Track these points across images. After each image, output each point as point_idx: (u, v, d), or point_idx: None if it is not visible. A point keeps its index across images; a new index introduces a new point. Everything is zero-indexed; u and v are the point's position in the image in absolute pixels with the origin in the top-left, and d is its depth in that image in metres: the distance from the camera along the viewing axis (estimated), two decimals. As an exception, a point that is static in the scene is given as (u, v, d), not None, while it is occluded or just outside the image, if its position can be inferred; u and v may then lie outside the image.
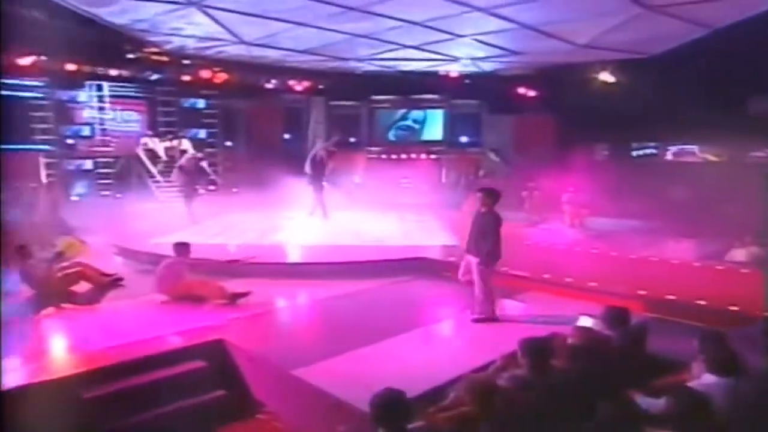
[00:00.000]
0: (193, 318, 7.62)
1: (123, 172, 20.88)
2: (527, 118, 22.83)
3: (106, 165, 20.75)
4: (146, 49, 18.59)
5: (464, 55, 17.87)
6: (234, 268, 9.80)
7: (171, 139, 21.25)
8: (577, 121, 20.81)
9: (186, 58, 18.96)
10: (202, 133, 22.80)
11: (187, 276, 8.76)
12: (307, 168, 16.57)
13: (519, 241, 12.32)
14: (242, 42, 15.64)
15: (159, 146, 21.25)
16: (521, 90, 22.11)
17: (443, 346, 7.11)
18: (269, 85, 21.49)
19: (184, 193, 16.54)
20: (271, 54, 17.72)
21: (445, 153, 24.48)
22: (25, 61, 17.73)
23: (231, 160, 23.00)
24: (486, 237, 7.37)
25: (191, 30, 14.54)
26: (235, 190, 21.98)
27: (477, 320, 7.52)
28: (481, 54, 17.50)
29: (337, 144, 18.44)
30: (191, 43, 16.58)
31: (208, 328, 7.14)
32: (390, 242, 12.53)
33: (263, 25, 13.68)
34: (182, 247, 9.16)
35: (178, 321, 7.50)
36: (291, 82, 22.58)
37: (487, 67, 19.65)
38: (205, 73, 20.63)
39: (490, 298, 7.52)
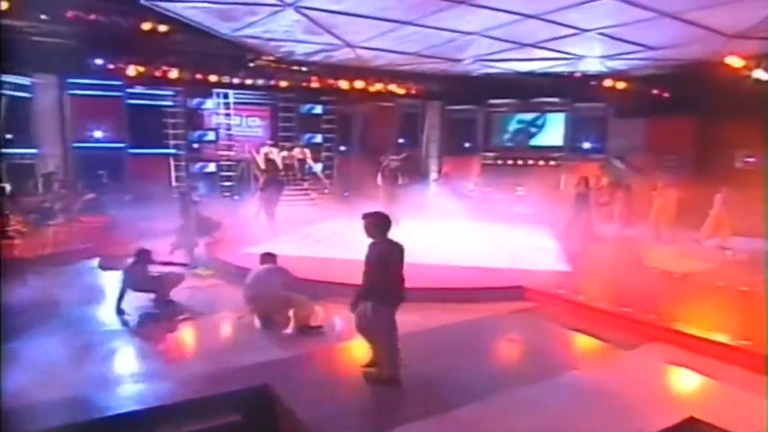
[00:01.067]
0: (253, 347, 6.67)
1: (243, 175, 20.92)
2: (661, 122, 20.01)
3: (229, 168, 20.93)
4: (264, 58, 18.29)
5: (590, 52, 15.72)
6: (316, 287, 8.65)
7: (290, 149, 20.98)
8: (722, 124, 17.90)
9: (299, 64, 18.46)
10: (318, 138, 22.45)
11: (278, 289, 7.85)
12: (379, 180, 15.87)
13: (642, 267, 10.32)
14: (348, 45, 14.76)
15: (278, 156, 21.08)
16: (655, 91, 19.38)
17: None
18: (384, 90, 20.49)
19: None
20: (382, 58, 16.69)
21: (565, 159, 22.22)
22: (158, 72, 18.16)
23: (345, 164, 22.37)
24: (372, 274, 5.55)
25: (296, 34, 13.87)
26: (346, 194, 21.30)
27: (370, 379, 5.67)
28: (609, 51, 15.25)
29: (405, 158, 17.45)
30: (299, 49, 15.98)
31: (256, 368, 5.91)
32: (492, 262, 10.86)
33: (369, 26, 12.63)
34: (269, 258, 8.30)
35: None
36: (405, 86, 21.44)
37: (615, 65, 17.25)
38: (321, 80, 20.14)
39: (393, 358, 5.58)
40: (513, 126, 23.14)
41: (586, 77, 19.23)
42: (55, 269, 10.19)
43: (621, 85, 18.76)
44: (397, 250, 5.57)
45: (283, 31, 13.85)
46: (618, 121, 21.28)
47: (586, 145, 21.96)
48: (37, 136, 17.27)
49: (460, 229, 14.88)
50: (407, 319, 6.01)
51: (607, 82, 18.78)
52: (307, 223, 15.53)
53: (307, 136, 22.33)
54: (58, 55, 15.69)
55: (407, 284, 5.57)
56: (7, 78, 16.13)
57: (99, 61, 17.17)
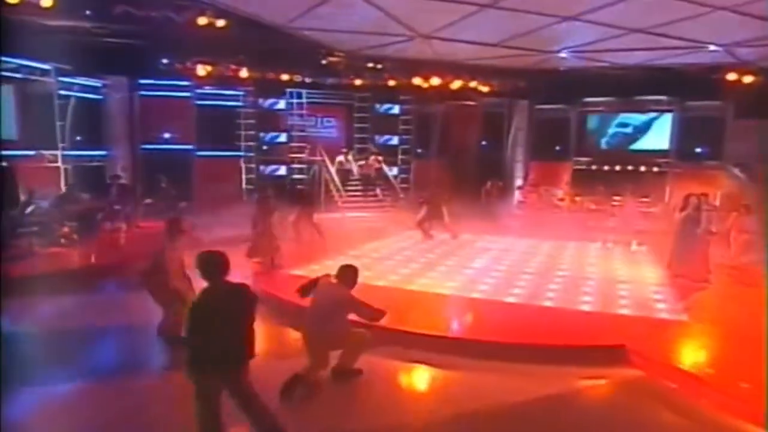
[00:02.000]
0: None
1: (315, 178, 19.47)
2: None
3: (300, 171, 19.58)
4: (336, 54, 16.66)
5: (714, 38, 12.66)
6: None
7: (366, 158, 19.26)
8: None
9: (372, 60, 16.64)
10: (394, 140, 20.60)
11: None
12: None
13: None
14: (418, 35, 12.71)
15: (354, 165, 19.44)
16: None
17: None
18: (465, 87, 18.25)
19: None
20: (460, 51, 14.52)
21: (672, 166, 18.99)
22: (228, 71, 17.02)
23: (422, 168, 20.36)
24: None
25: (358, 23, 12.03)
26: (421, 200, 19.29)
27: None
28: (740, 36, 12.16)
29: None
30: (369, 42, 14.15)
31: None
32: (582, 300, 8.52)
33: (442, 11, 10.55)
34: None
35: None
36: (488, 84, 19.01)
37: (746, 54, 13.88)
38: (397, 77, 18.23)
39: None
40: (611, 128, 20.13)
41: (705, 70, 16.03)
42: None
43: (748, 78, 15.42)
44: (233, 299, 4.15)
45: (348, 23, 12.08)
46: (738, 123, 17.81)
47: (698, 150, 18.61)
48: (107, 138, 16.64)
49: (544, 250, 12.53)
50: (471, 382, 5.34)
51: (731, 76, 15.50)
52: (374, 236, 13.74)
53: (383, 138, 20.56)
54: (128, 55, 14.90)
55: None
56: (78, 80, 15.57)
57: (167, 61, 16.26)
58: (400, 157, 20.52)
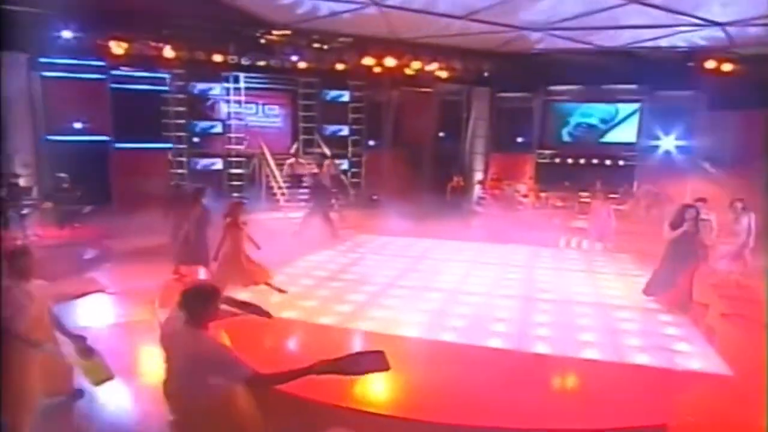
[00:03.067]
0: None
1: (255, 173, 17.07)
2: (756, 115, 15.14)
3: (238, 165, 17.11)
4: (276, 33, 14.28)
5: (717, 14, 10.86)
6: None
7: (320, 163, 16.84)
8: None
9: (319, 41, 14.33)
10: (344, 130, 18.36)
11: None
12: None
13: None
14: (372, 2, 10.49)
15: (305, 168, 16.94)
16: (758, 73, 14.45)
17: None
18: (421, 72, 16.18)
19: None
20: (418, 26, 12.41)
21: (640, 160, 17.56)
22: (149, 50, 14.36)
23: (375, 161, 18.23)
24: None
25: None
26: (375, 197, 17.24)
27: None
28: (734, 12, 10.41)
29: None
30: (312, 11, 11.85)
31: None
32: (579, 338, 6.58)
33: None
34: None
35: None
36: (447, 67, 16.93)
37: (741, 34, 12.13)
38: (347, 59, 15.95)
39: None
40: (577, 118, 18.53)
41: (678, 57, 14.49)
42: None
43: (726, 66, 13.98)
44: None
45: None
46: (710, 115, 16.46)
47: (668, 143, 17.21)
48: (2, 129, 13.72)
49: (520, 260, 10.67)
50: None
51: (709, 63, 14.03)
52: (319, 243, 11.57)
53: (332, 128, 18.28)
54: (26, 27, 12.10)
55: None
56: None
57: (74, 36, 13.43)
58: (350, 149, 18.29)
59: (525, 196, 17.17)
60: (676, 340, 6.54)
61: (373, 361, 3.06)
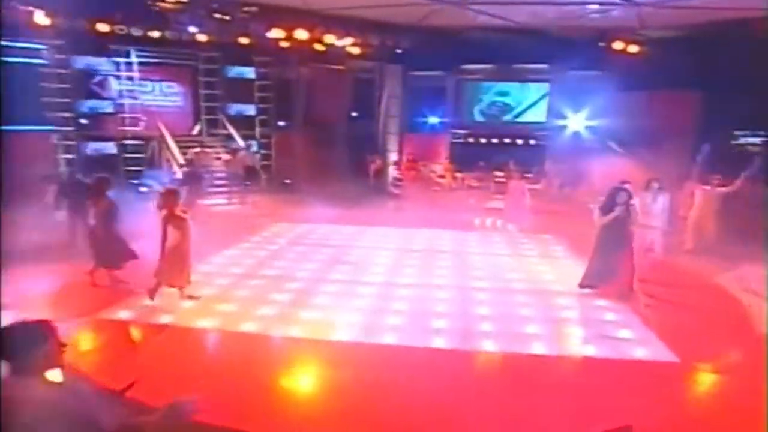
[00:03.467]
0: None
1: (155, 157, 15.46)
2: (664, 97, 15.80)
3: (135, 149, 15.40)
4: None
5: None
6: None
7: (232, 152, 15.36)
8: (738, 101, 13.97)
9: (221, 12, 12.98)
10: (250, 110, 17.08)
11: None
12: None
13: None
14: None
15: (210, 158, 15.33)
16: (663, 55, 14.94)
17: None
18: (332, 48, 15.23)
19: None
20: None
21: (550, 139, 17.83)
22: (17, 14, 12.31)
23: (285, 143, 17.14)
24: None
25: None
26: (288, 181, 16.24)
27: None
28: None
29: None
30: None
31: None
32: (522, 332, 6.14)
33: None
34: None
35: None
36: (361, 42, 16.06)
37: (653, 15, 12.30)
38: (252, 32, 14.66)
39: None
40: (490, 97, 18.47)
41: (590, 37, 14.64)
42: None
43: (635, 48, 14.29)
44: None
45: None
46: (618, 95, 16.91)
47: (577, 123, 17.57)
48: None
49: (446, 245, 10.23)
50: None
51: (618, 45, 14.28)
52: (233, 236, 10.47)
53: (237, 107, 16.93)
54: None
55: None
56: None
57: None
58: (258, 130, 17.06)
59: (441, 176, 16.92)
60: (618, 327, 6.30)
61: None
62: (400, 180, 17.04)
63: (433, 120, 18.63)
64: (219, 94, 16.53)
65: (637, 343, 5.87)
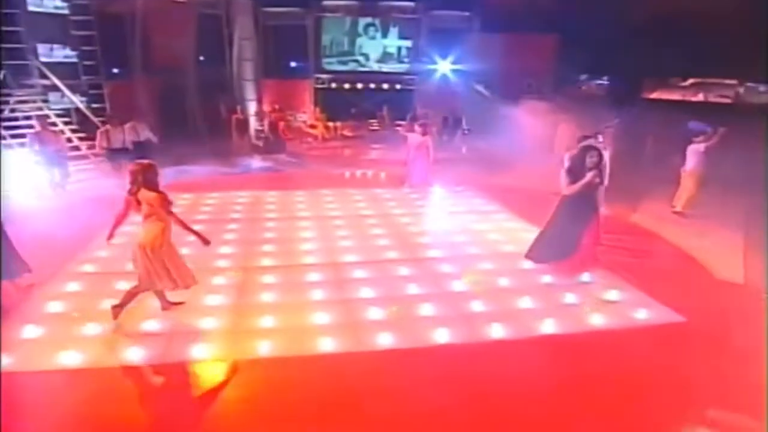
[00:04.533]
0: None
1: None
2: (522, 38, 15.93)
3: None
4: None
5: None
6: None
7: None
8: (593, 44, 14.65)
9: None
10: (70, 54, 13.50)
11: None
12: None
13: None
14: None
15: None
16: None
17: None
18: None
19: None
20: None
21: (418, 84, 17.10)
22: None
23: (121, 94, 13.97)
24: None
25: None
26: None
27: None
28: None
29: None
30: None
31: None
32: (512, 314, 5.30)
33: None
34: None
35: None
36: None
37: None
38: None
39: None
40: (353, 37, 16.99)
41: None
42: None
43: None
44: None
45: None
46: (481, 37, 16.62)
47: (444, 66, 16.96)
48: None
49: (358, 207, 8.93)
50: None
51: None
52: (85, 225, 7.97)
53: (50, 48, 13.22)
54: None
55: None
56: None
57: None
58: (83, 78, 13.61)
59: (313, 126, 15.31)
60: (606, 288, 5.81)
61: None
62: (262, 132, 15.13)
63: (294, 64, 16.69)
64: (23, 33, 12.70)
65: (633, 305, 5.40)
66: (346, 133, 15.66)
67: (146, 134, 10.20)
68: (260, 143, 14.59)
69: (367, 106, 16.19)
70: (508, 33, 15.80)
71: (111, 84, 13.87)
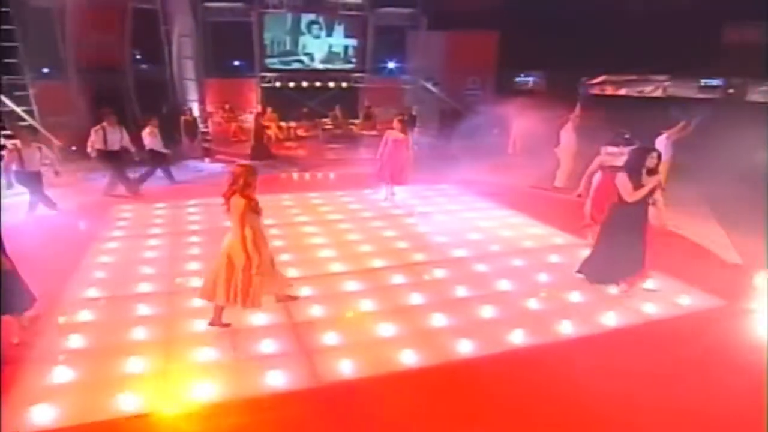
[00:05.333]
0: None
1: None
2: (464, 36, 16.07)
3: None
4: None
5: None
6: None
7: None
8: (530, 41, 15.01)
9: None
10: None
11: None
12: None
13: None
14: None
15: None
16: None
17: None
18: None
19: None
20: None
21: (366, 81, 16.77)
22: None
23: (50, 97, 12.47)
24: None
25: None
26: (74, 148, 11.93)
27: None
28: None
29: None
30: None
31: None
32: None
33: None
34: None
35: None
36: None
37: None
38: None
39: None
40: (295, 36, 16.30)
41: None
42: None
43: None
44: None
45: None
46: (425, 35, 16.56)
47: (388, 62, 16.74)
48: None
49: (352, 210, 8.48)
50: None
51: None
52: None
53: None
54: None
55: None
56: None
57: None
58: (6, 78, 11.99)
59: (266, 127, 14.50)
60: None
61: None
62: (207, 134, 14.20)
63: (237, 62, 15.76)
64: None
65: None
66: (300, 133, 15.04)
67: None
68: (208, 145, 13.72)
69: (316, 106, 15.64)
70: (452, 30, 15.87)
71: (38, 85, 12.33)
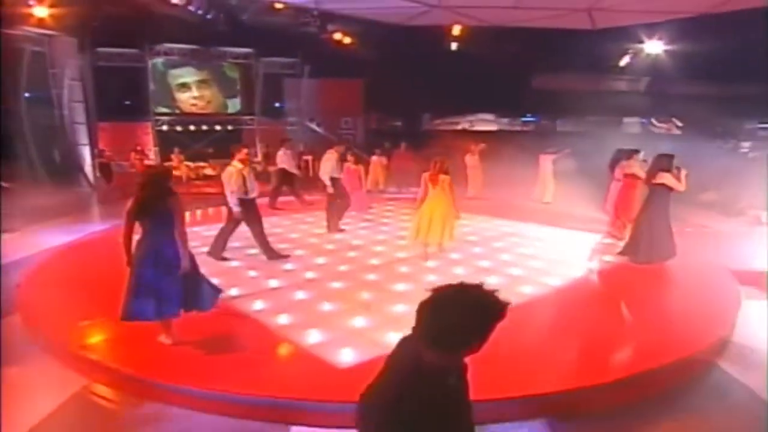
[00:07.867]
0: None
1: None
2: (336, 83, 18.15)
3: None
4: None
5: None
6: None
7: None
8: (391, 88, 17.60)
9: None
10: None
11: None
12: None
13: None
14: None
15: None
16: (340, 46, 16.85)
17: None
18: None
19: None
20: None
21: (253, 124, 17.58)
22: None
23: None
24: None
25: None
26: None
27: None
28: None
29: None
30: None
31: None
32: None
33: None
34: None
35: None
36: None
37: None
38: None
39: None
40: (185, 80, 16.46)
41: (286, 25, 14.86)
42: None
43: (347, 39, 15.78)
44: None
45: None
46: (305, 81, 18.11)
47: (273, 106, 17.83)
48: None
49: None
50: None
51: (338, 35, 15.49)
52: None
53: None
54: None
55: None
56: None
57: None
58: None
59: (175, 168, 14.38)
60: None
61: None
62: (100, 177, 13.40)
63: (128, 104, 15.30)
64: None
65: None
66: (209, 172, 15.17)
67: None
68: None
69: (202, 147, 16.07)
70: (323, 78, 17.81)
71: None
